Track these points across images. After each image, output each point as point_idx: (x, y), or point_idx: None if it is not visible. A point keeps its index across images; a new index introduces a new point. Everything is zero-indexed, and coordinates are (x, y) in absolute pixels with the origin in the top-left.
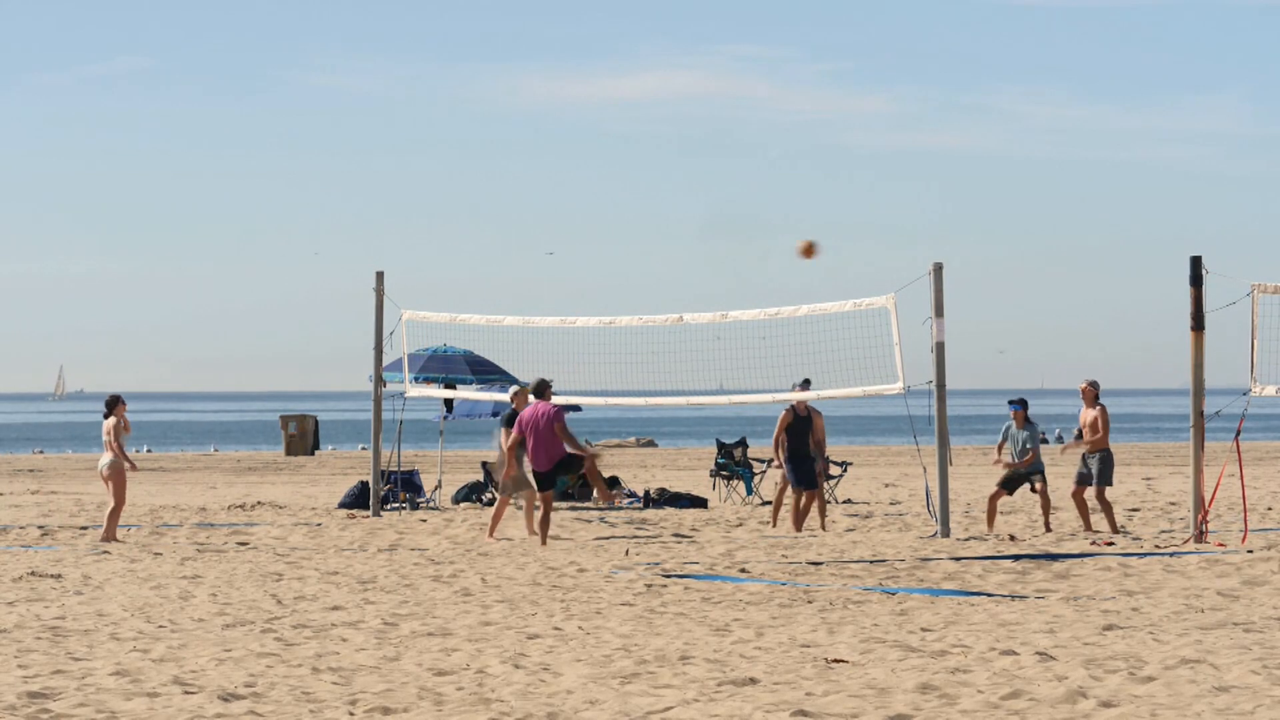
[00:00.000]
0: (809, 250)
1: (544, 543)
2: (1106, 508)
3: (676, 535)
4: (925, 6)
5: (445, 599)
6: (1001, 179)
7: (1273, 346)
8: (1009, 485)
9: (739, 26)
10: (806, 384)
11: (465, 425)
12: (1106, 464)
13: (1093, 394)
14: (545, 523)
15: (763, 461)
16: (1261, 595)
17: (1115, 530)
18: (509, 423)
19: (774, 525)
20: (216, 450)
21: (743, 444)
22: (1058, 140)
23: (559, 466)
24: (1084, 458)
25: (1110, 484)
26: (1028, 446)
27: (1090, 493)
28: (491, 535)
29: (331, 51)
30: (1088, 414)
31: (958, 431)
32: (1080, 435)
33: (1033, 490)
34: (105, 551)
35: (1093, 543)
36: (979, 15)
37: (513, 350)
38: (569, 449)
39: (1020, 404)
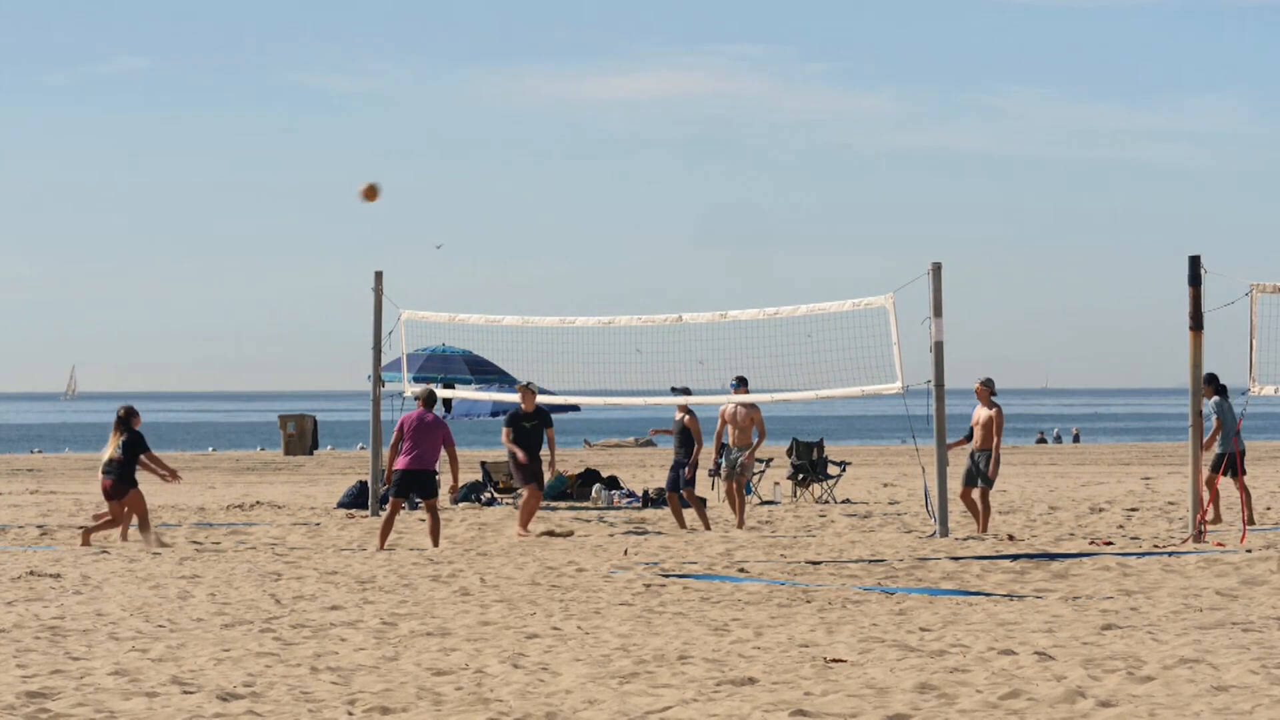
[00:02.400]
0: (370, 193)
1: (436, 544)
2: (985, 509)
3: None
4: (926, 6)
5: (444, 599)
6: (1001, 179)
7: (1272, 346)
8: (1217, 467)
9: (739, 26)
10: (684, 390)
11: (464, 425)
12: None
13: (987, 394)
14: (433, 528)
15: (761, 461)
16: (1260, 595)
17: (983, 530)
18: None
19: (740, 525)
20: (214, 450)
21: None
22: (1058, 140)
23: (416, 479)
24: (972, 456)
25: (991, 485)
26: (1213, 419)
27: (977, 493)
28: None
29: (332, 51)
30: (982, 413)
31: (956, 432)
32: (970, 435)
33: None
34: (104, 551)
35: (1091, 542)
36: (979, 15)
37: (512, 350)
38: (450, 466)
39: (1207, 378)
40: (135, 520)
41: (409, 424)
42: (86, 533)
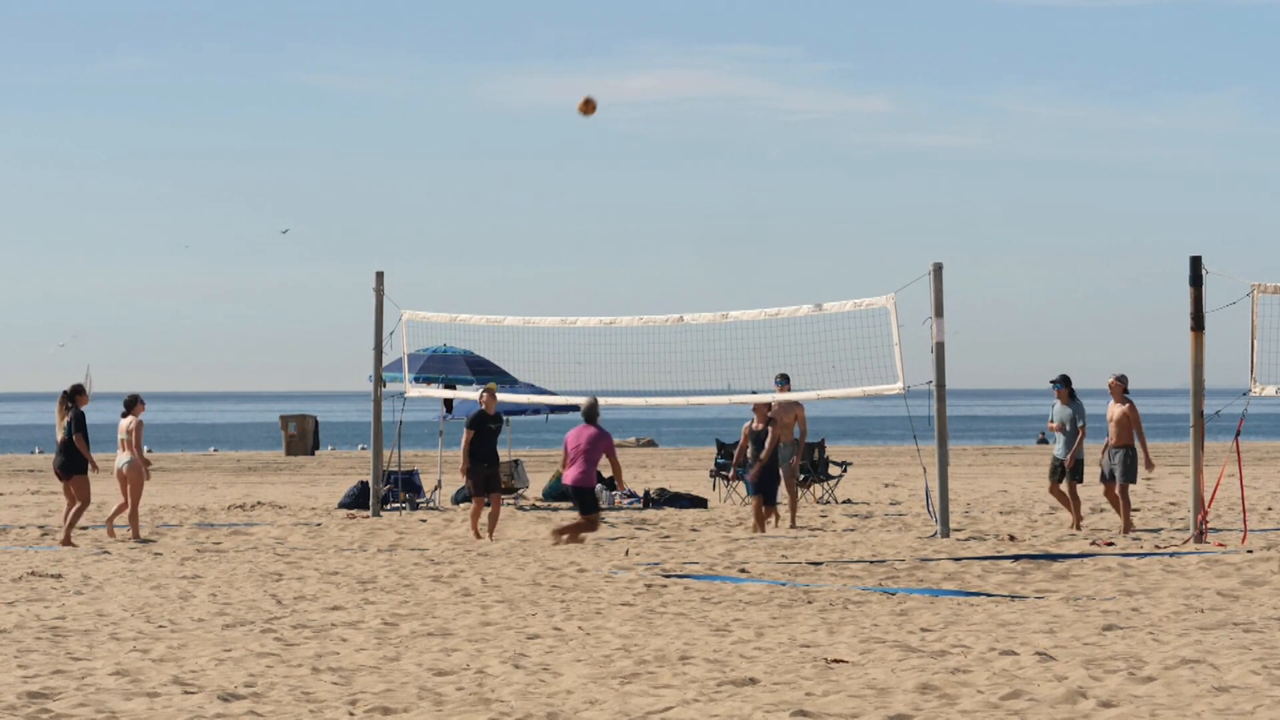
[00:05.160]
0: (588, 106)
1: (558, 543)
2: (1124, 504)
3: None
4: (926, 6)
5: (445, 599)
6: (1001, 179)
7: (1273, 346)
8: (1059, 474)
9: (739, 26)
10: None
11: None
12: (1129, 461)
13: (1120, 389)
14: (568, 527)
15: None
16: (1261, 595)
17: (1128, 528)
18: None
19: (791, 524)
20: (215, 450)
21: None
22: (1058, 140)
23: (578, 493)
24: (1107, 454)
25: (1134, 480)
26: (1078, 424)
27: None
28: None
29: (332, 51)
30: (1115, 409)
31: (957, 433)
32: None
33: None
34: (105, 551)
35: (1093, 543)
36: (979, 15)
37: (513, 350)
38: (614, 474)
39: (1061, 382)
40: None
41: (572, 441)
42: (109, 526)
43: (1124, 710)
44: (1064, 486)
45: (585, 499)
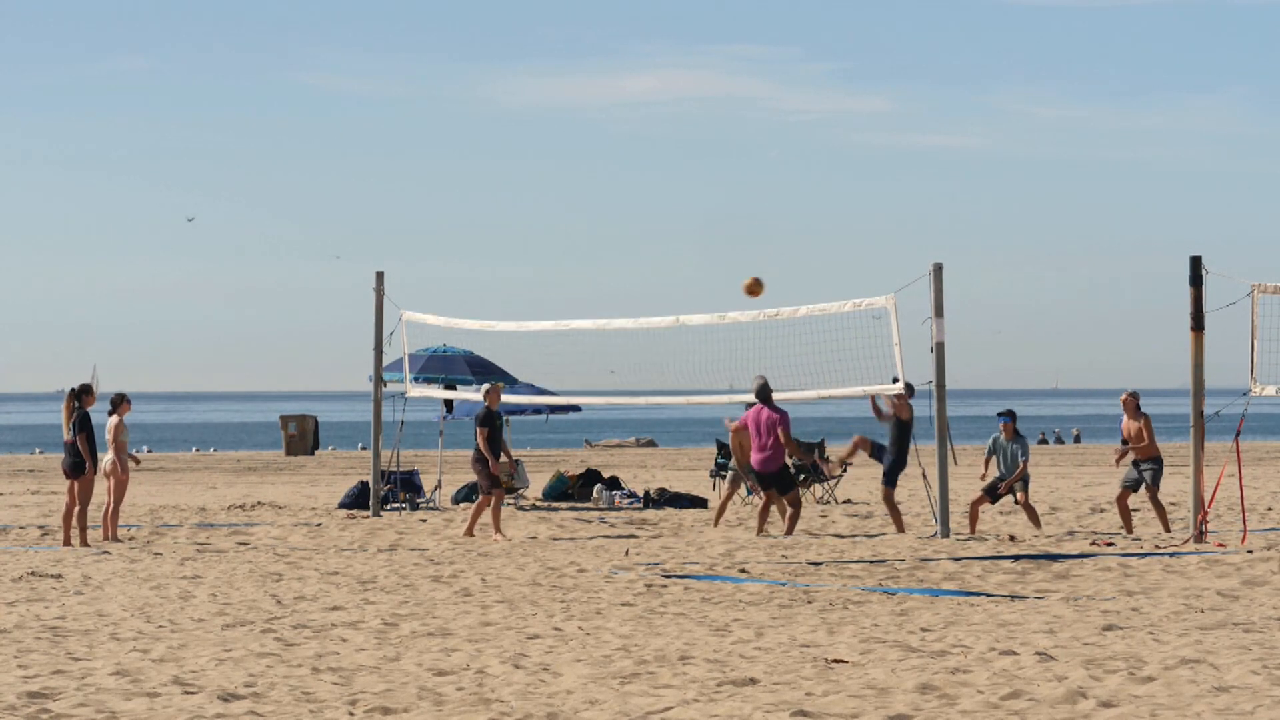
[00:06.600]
0: (754, 288)
1: (789, 532)
2: (1156, 507)
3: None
4: (926, 6)
5: (445, 599)
6: (1001, 179)
7: (1273, 346)
8: (992, 492)
9: (739, 26)
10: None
11: (465, 425)
12: (1157, 469)
13: (1134, 404)
14: (763, 512)
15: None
16: (1261, 595)
17: (1167, 530)
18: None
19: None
20: (212, 450)
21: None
22: (1058, 140)
23: (772, 478)
24: (1134, 465)
25: (1158, 487)
26: (1018, 459)
27: (1135, 498)
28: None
29: (332, 52)
30: (1131, 425)
31: (958, 432)
32: (1125, 443)
33: (1015, 502)
34: (105, 551)
35: (1093, 543)
36: (979, 15)
37: (513, 351)
38: (790, 456)
39: (1009, 416)
40: (113, 506)
41: (752, 422)
42: (105, 527)
43: (1124, 710)
44: (1019, 499)
45: (781, 481)
